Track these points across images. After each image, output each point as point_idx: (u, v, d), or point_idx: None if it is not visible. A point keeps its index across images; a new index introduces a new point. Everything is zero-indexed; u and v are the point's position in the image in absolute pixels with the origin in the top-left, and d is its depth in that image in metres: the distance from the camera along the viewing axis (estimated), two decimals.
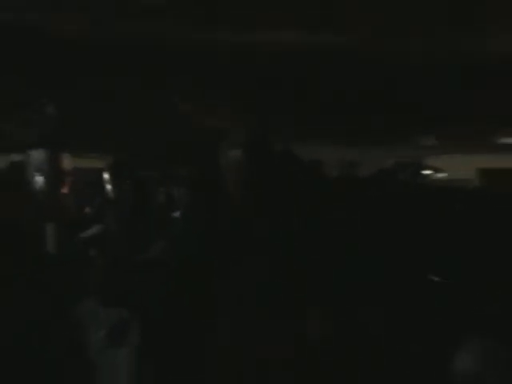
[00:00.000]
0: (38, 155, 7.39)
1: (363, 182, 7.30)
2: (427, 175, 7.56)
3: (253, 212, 5.54)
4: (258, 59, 7.03)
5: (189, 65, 7.29)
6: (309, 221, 5.70)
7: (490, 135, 9.22)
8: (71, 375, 5.39)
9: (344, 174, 7.98)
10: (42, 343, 5.38)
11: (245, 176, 5.56)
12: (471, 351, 5.08)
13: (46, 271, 6.19)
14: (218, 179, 6.14)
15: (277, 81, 7.52)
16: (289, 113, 8.16)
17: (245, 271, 5.27)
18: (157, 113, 8.08)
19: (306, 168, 6.69)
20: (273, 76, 7.40)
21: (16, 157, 7.81)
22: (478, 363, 4.97)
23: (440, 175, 7.75)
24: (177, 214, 6.63)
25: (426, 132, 8.93)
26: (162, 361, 5.30)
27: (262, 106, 7.70)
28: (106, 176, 6.70)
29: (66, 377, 5.38)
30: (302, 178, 6.45)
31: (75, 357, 5.46)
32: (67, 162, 7.48)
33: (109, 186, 6.69)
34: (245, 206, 5.55)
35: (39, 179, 7.18)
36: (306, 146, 8.47)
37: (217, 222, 5.73)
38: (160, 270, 5.58)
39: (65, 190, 7.28)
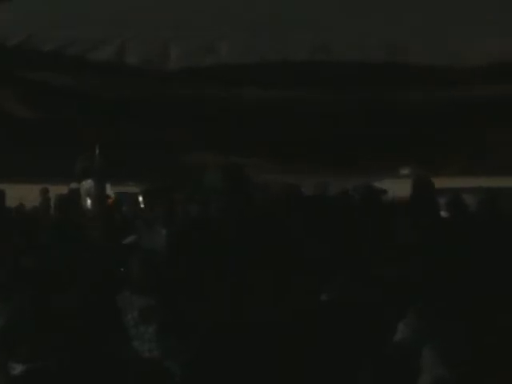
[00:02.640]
0: (87, 184, 7.48)
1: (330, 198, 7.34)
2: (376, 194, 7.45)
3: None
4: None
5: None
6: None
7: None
8: (114, 344, 5.49)
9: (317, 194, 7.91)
10: (93, 320, 5.55)
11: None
12: (408, 324, 5.11)
13: (95, 268, 6.31)
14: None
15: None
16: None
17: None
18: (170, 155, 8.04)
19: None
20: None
21: (73, 185, 7.88)
22: (413, 333, 5.05)
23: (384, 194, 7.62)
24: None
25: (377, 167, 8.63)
26: (179, 334, 5.34)
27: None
28: (140, 199, 6.73)
29: (111, 345, 5.47)
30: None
31: (117, 331, 5.52)
32: (109, 189, 7.54)
33: (142, 206, 6.72)
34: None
35: (88, 201, 7.26)
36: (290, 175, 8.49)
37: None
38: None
39: (107, 209, 7.34)
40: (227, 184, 5.85)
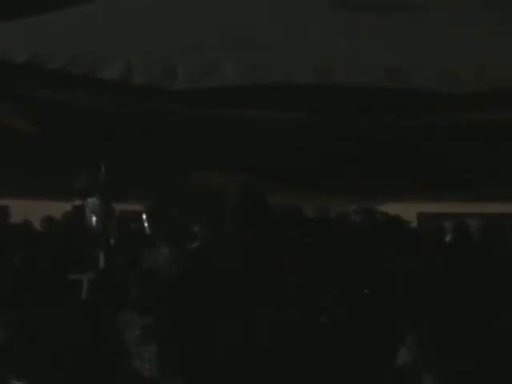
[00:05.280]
0: (93, 202, 7.48)
1: (329, 221, 7.35)
2: (378, 217, 7.46)
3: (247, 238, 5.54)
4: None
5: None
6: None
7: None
8: (114, 363, 5.43)
9: (317, 216, 7.98)
10: (94, 339, 5.54)
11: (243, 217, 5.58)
12: (409, 348, 5.09)
13: (98, 287, 6.27)
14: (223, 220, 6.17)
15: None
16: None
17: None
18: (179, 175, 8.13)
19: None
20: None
21: (77, 202, 7.92)
22: (413, 357, 5.10)
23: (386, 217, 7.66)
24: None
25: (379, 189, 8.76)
26: (179, 355, 5.22)
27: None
28: (144, 217, 6.69)
29: (111, 365, 5.42)
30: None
31: (118, 350, 5.47)
32: (113, 206, 7.55)
33: (146, 224, 6.68)
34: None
35: (93, 218, 7.27)
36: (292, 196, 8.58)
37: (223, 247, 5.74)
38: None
39: (112, 227, 7.34)
40: (246, 206, 5.80)
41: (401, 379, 5.19)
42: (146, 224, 6.60)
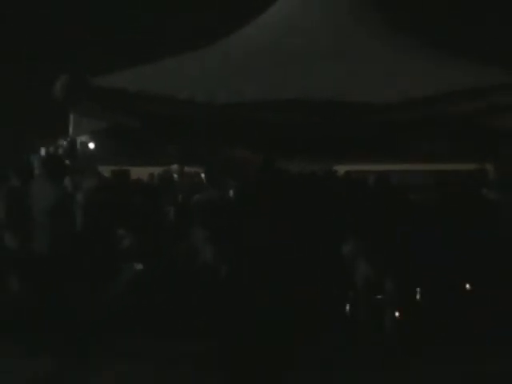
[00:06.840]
0: (174, 167, 8.73)
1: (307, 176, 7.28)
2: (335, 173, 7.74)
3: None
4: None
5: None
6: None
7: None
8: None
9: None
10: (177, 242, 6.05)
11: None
12: (352, 241, 5.68)
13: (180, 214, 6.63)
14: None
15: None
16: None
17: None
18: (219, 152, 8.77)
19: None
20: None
21: (167, 167, 8.83)
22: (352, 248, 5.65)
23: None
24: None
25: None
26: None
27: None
28: (202, 175, 7.26)
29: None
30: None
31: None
32: (186, 170, 8.78)
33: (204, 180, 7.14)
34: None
35: (175, 176, 8.33)
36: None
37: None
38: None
39: (184, 181, 8.50)
40: (264, 170, 6.09)
41: (345, 262, 5.75)
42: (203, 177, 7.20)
